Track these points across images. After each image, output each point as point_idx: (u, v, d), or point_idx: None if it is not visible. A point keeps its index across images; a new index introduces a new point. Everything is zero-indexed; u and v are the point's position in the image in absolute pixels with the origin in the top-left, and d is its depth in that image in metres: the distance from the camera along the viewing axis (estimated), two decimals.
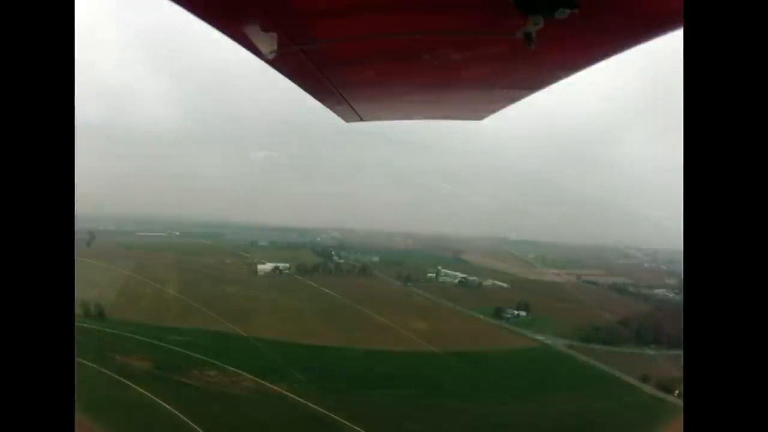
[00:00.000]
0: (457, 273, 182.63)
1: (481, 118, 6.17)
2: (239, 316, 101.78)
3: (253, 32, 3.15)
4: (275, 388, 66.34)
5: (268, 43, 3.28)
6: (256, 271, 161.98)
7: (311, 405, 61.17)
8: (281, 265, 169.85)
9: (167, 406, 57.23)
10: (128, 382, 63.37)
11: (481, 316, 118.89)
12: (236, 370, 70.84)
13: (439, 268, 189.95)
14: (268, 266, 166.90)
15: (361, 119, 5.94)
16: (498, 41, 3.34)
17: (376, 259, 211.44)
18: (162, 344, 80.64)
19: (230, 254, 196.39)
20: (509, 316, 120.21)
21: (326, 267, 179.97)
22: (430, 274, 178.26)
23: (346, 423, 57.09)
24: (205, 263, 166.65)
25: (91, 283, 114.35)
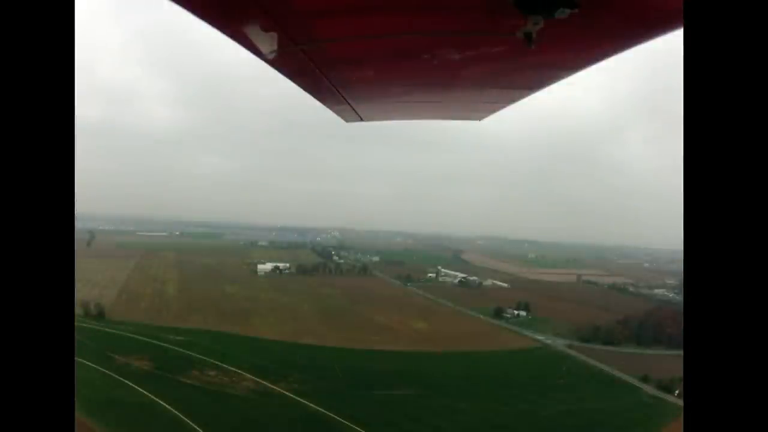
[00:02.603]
0: (457, 273, 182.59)
1: (481, 118, 6.17)
2: (239, 316, 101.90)
3: (253, 32, 3.16)
4: (275, 388, 66.33)
5: (268, 43, 3.29)
6: (256, 271, 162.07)
7: (311, 405, 61.16)
8: (281, 264, 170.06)
9: (167, 405, 57.23)
10: (128, 382, 63.39)
11: (482, 316, 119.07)
12: (236, 370, 70.90)
13: (439, 267, 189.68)
14: (268, 266, 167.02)
15: (361, 119, 5.94)
16: (498, 41, 3.34)
17: (376, 258, 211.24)
18: (162, 344, 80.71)
19: (230, 254, 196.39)
20: (509, 316, 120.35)
21: (326, 267, 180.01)
22: (430, 274, 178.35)
23: (346, 423, 57.08)
24: (205, 263, 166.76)
25: (91, 283, 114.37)
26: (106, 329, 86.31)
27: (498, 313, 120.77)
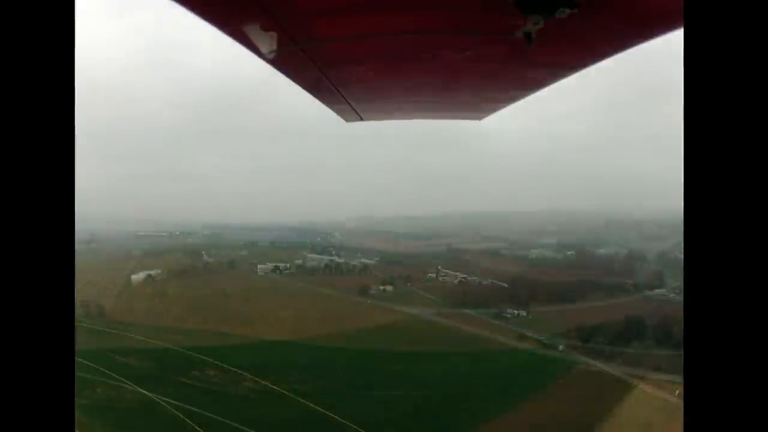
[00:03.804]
0: (457, 273, 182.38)
1: (481, 118, 6.17)
2: (239, 316, 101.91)
3: (253, 31, 3.16)
4: (275, 388, 66.34)
5: (268, 42, 3.29)
6: (256, 271, 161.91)
7: (311, 405, 61.17)
8: (281, 264, 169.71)
9: (167, 405, 57.28)
10: (128, 382, 63.45)
11: (481, 316, 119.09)
12: (236, 370, 70.89)
13: (439, 267, 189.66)
14: (268, 266, 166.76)
15: (361, 119, 5.94)
16: (498, 41, 3.34)
17: (376, 259, 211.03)
18: (162, 344, 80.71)
19: (230, 254, 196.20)
20: (509, 316, 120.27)
21: (326, 267, 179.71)
22: (430, 274, 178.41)
23: (347, 423, 57.10)
24: (206, 263, 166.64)
25: (92, 283, 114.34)
26: (106, 329, 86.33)
27: (498, 314, 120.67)
